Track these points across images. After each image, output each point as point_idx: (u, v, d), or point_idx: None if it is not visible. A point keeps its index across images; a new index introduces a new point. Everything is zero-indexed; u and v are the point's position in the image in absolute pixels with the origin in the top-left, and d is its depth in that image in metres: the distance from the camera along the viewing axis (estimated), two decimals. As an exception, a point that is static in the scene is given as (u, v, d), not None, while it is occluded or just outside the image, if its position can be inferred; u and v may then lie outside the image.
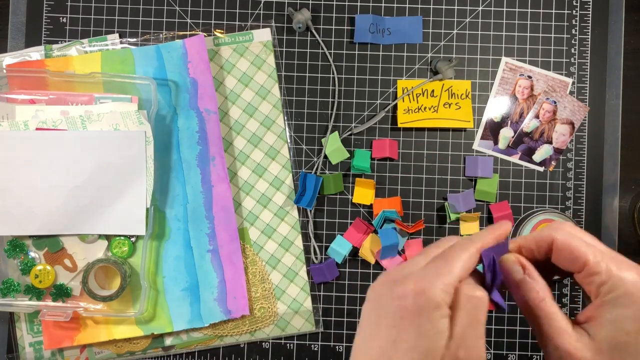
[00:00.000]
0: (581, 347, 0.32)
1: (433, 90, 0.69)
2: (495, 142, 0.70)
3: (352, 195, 0.69)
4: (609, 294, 0.32)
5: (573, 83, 0.70)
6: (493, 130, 0.70)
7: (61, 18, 0.70)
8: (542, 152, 0.70)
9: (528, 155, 0.70)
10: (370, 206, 0.69)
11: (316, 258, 0.69)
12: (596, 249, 0.34)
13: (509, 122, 0.70)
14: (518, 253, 0.37)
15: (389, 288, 0.35)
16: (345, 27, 0.70)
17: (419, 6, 0.70)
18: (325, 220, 0.70)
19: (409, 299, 0.33)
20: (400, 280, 0.34)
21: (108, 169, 0.65)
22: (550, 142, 0.70)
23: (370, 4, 0.70)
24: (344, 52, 0.70)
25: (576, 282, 0.35)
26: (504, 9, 0.70)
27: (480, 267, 0.37)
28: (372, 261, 0.68)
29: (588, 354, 0.32)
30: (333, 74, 0.70)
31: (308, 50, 0.70)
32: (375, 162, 0.70)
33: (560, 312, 0.34)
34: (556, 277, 0.38)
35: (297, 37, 0.70)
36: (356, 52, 0.70)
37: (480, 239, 0.36)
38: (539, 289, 0.34)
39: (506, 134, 0.70)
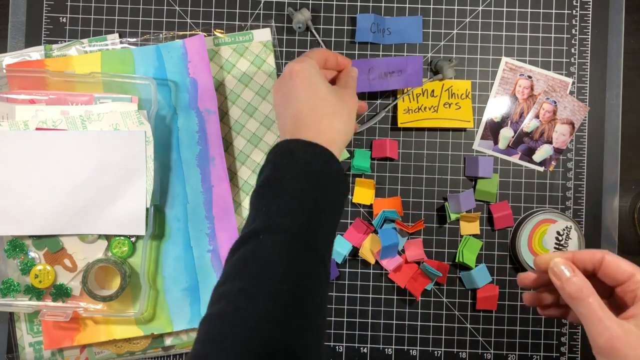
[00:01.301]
0: (634, 338, 0.40)
1: (433, 90, 0.69)
2: (495, 142, 0.70)
3: (352, 195, 0.69)
4: None
5: (573, 83, 0.70)
6: (493, 130, 0.70)
7: (61, 18, 0.70)
8: (542, 152, 0.70)
9: (528, 155, 0.70)
10: (370, 206, 0.69)
11: (316, 258, 0.69)
12: (637, 266, 0.44)
13: (509, 122, 0.70)
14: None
15: (284, 76, 0.56)
16: (345, 27, 0.70)
17: (419, 6, 0.70)
18: (325, 220, 0.70)
19: (292, 79, 0.55)
20: (286, 70, 0.56)
21: (108, 169, 0.65)
22: (550, 142, 0.70)
23: (370, 4, 0.70)
24: (344, 52, 0.70)
25: (617, 294, 0.44)
26: (504, 9, 0.70)
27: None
28: (372, 261, 0.68)
29: (633, 337, 0.40)
30: (333, 74, 0.70)
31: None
32: (375, 162, 0.70)
33: (606, 307, 0.42)
34: None
35: (297, 37, 0.70)
36: (356, 52, 0.70)
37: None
38: (587, 286, 0.42)
39: (506, 134, 0.70)
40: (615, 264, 0.44)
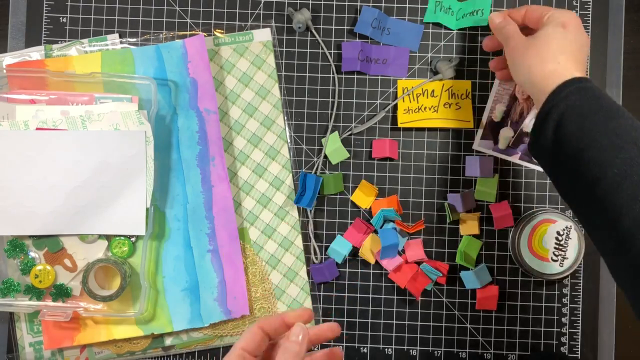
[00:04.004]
0: (525, 39, 0.59)
1: (433, 90, 0.69)
2: (495, 142, 0.70)
3: (351, 194, 0.69)
4: (550, 17, 0.59)
5: (573, 83, 0.70)
6: (493, 130, 0.70)
7: (61, 18, 0.70)
8: (542, 152, 0.70)
9: (528, 155, 0.70)
10: (370, 207, 0.69)
11: (316, 258, 0.69)
12: (552, 8, 0.61)
13: (509, 122, 0.70)
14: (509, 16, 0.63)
15: None
16: (346, 27, 0.70)
17: (419, 6, 0.70)
18: (325, 220, 0.70)
19: None
20: None
21: (108, 169, 0.65)
22: (550, 142, 0.70)
23: (371, 4, 0.70)
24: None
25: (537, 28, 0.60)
26: (504, 9, 0.70)
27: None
28: (372, 261, 0.68)
29: (527, 41, 0.58)
30: (333, 74, 0.70)
31: (308, 50, 0.70)
32: (375, 162, 0.70)
33: (520, 32, 0.60)
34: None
35: (297, 37, 0.70)
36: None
37: (264, 322, 0.47)
38: (510, 23, 0.62)
39: (506, 134, 0.70)
40: (533, 8, 0.61)
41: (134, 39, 0.69)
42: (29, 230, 0.66)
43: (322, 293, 0.70)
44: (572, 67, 0.55)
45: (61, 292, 0.66)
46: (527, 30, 0.62)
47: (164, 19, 0.70)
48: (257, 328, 0.46)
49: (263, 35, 0.70)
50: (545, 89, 0.54)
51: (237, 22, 0.70)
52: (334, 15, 0.70)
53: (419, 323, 0.69)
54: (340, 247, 0.68)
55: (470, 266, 0.68)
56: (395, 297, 0.70)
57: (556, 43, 0.56)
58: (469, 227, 0.69)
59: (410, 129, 0.70)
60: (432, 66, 0.70)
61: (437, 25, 0.70)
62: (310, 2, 0.70)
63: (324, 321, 0.69)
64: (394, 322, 0.69)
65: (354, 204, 0.70)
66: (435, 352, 0.69)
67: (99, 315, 0.66)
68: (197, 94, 0.67)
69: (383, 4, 0.70)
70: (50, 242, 0.67)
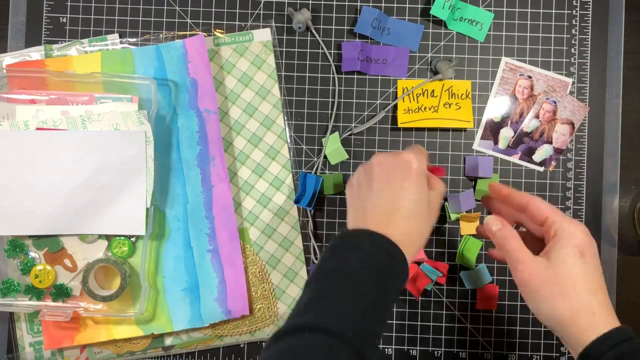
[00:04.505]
0: (537, 264, 0.51)
1: (433, 90, 0.69)
2: (495, 142, 0.70)
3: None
4: (560, 234, 0.52)
5: (573, 83, 0.70)
6: (493, 130, 0.70)
7: (61, 18, 0.70)
8: (542, 152, 0.70)
9: (528, 155, 0.70)
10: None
11: (316, 258, 0.69)
12: (555, 209, 0.53)
13: (509, 122, 0.70)
14: (506, 198, 0.57)
15: (395, 161, 0.55)
16: (345, 27, 0.70)
17: (419, 6, 0.70)
18: (325, 220, 0.70)
19: (408, 169, 0.54)
20: (401, 157, 0.55)
21: (108, 169, 0.65)
22: (550, 142, 0.70)
23: (371, 4, 0.70)
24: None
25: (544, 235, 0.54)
26: (504, 9, 0.70)
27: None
28: (372, 261, 0.68)
29: (541, 267, 0.51)
30: (333, 74, 0.70)
31: (308, 50, 0.70)
32: (375, 162, 0.70)
33: (524, 246, 0.52)
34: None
35: (297, 37, 0.70)
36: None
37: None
38: (510, 233, 0.54)
39: (506, 134, 0.70)
40: (536, 207, 0.54)
41: (134, 39, 0.69)
42: (29, 230, 0.66)
43: (322, 293, 0.70)
44: (606, 312, 0.50)
45: (61, 292, 0.66)
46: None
47: (164, 19, 0.70)
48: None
49: (263, 35, 0.70)
50: (581, 339, 0.49)
51: (237, 22, 0.70)
52: (334, 15, 0.70)
53: (419, 323, 0.69)
54: (340, 247, 0.68)
55: (470, 266, 0.68)
56: (395, 297, 0.69)
57: (581, 280, 0.50)
58: (469, 227, 0.69)
59: (410, 129, 0.70)
60: (432, 66, 0.70)
61: (437, 24, 0.70)
62: (310, 2, 0.70)
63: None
64: (394, 322, 0.69)
65: (354, 204, 0.70)
66: (435, 352, 0.69)
67: (99, 315, 0.66)
68: (197, 94, 0.67)
69: (383, 4, 0.70)
70: (50, 242, 0.67)
